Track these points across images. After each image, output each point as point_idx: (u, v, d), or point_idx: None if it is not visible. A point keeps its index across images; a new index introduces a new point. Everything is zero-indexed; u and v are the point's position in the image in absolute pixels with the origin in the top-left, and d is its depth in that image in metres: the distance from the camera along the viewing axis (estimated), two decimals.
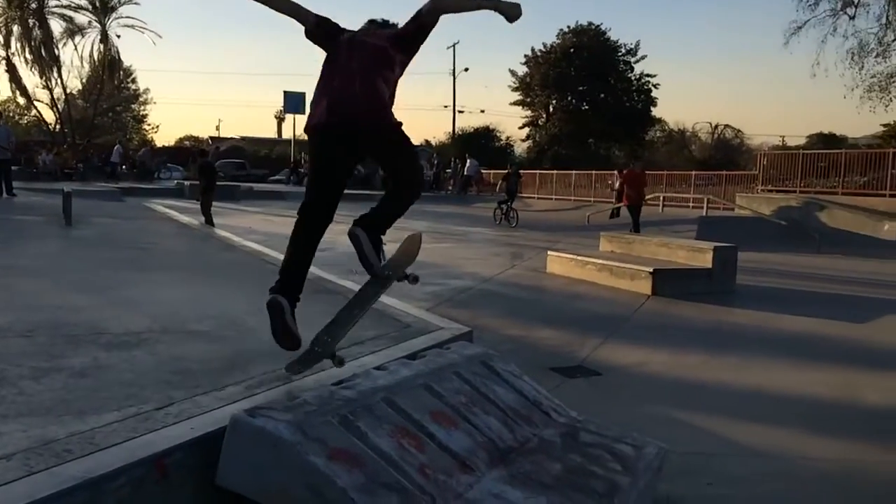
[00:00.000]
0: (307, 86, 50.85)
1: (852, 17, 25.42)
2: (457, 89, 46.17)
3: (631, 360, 6.26)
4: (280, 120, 63.50)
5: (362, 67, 3.16)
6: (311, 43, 3.43)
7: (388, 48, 3.25)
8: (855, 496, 3.55)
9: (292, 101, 43.29)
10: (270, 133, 66.33)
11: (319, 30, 3.39)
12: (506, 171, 22.84)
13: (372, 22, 3.52)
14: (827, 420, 4.75)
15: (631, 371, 5.94)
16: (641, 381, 5.67)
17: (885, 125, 36.33)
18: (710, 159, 46.13)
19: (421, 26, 3.27)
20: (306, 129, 3.26)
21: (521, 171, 24.44)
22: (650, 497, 3.22)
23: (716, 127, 54.16)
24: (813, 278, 11.03)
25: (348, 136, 3.12)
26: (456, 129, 48.28)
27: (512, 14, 3.19)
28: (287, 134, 54.75)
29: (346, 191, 3.36)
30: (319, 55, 3.39)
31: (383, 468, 2.19)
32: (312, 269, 3.52)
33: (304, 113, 44.62)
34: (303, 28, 3.40)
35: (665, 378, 5.78)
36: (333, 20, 3.47)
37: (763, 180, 22.24)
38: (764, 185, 22.09)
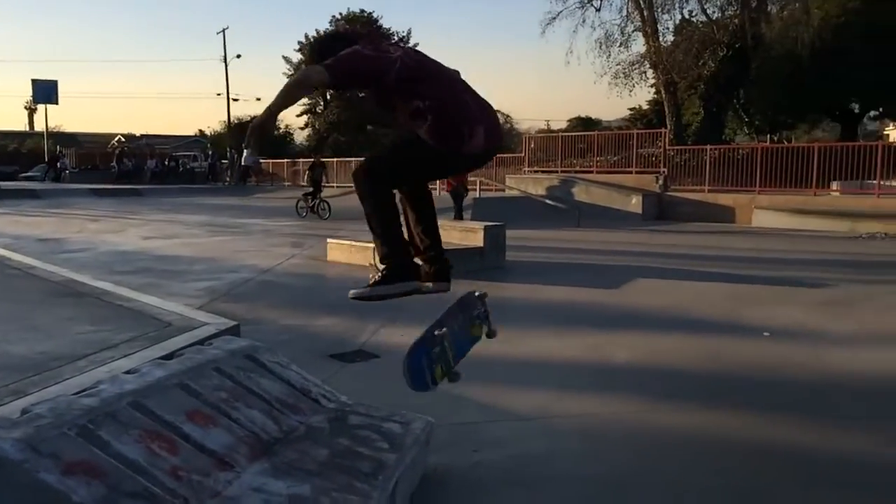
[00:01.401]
0: (59, 74, 46.37)
1: (598, 9, 27.70)
2: (230, 76, 44.40)
3: (409, 340, 6.37)
4: (31, 111, 57.47)
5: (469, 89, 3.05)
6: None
7: None
8: (607, 446, 3.89)
9: (43, 91, 39.38)
10: (19, 126, 59.92)
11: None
12: (311, 161, 22.03)
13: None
14: (583, 380, 5.18)
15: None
16: None
17: (631, 109, 40.18)
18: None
19: None
20: (462, 152, 3.00)
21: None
22: (419, 470, 3.32)
23: None
24: (573, 251, 11.94)
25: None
26: (231, 118, 46.58)
27: None
28: (39, 126, 49.70)
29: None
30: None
31: (128, 476, 2.06)
32: (64, 272, 3.22)
33: (56, 103, 40.72)
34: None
35: None
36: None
37: (529, 162, 23.68)
38: (530, 166, 23.53)
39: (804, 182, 16.99)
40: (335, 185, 27.90)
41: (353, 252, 10.75)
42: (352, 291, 3.12)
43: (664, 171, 19.80)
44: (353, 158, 30.35)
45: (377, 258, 3.16)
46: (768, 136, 34.65)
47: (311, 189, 19.77)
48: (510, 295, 8.56)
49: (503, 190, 21.72)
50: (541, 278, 9.46)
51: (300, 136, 52.65)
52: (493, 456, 3.74)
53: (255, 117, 3.15)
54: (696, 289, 8.57)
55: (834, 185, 17.09)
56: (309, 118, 51.42)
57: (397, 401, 4.15)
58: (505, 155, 28.59)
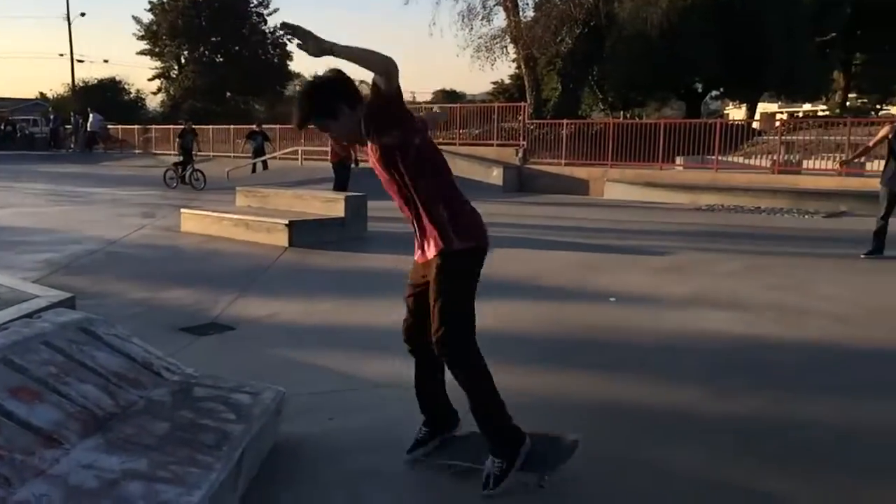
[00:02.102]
0: None
1: None
2: (74, 36, 41.34)
3: (265, 311, 6.28)
4: None
5: None
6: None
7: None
8: (459, 408, 3.98)
9: None
10: None
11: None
12: (181, 128, 20.78)
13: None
14: None
15: (265, 322, 5.97)
16: (274, 331, 5.72)
17: (494, 83, 40.90)
18: None
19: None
20: (475, 254, 2.88)
21: (152, 126, 22.61)
22: (270, 439, 3.28)
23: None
24: None
25: None
26: (76, 81, 43.50)
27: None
28: None
29: None
30: None
31: None
32: None
33: None
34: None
35: (298, 326, 5.91)
36: None
37: None
38: None
39: (652, 157, 17.92)
40: (211, 154, 26.73)
41: (208, 222, 10.38)
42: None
43: (524, 145, 20.32)
44: (210, 126, 29.19)
45: (494, 451, 2.87)
46: (622, 112, 36.30)
47: (181, 158, 18.78)
48: (372, 265, 8.57)
49: (367, 161, 21.56)
50: (403, 249, 9.39)
51: (153, 102, 50.02)
52: (349, 423, 3.75)
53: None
54: (549, 257, 8.89)
55: (678, 160, 18.14)
56: (162, 83, 48.88)
57: (251, 372, 4.08)
58: None
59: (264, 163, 22.15)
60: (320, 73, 2.81)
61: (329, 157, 13.68)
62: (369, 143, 2.78)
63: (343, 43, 2.40)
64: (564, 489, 3.02)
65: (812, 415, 3.88)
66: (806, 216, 12.99)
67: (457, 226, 2.83)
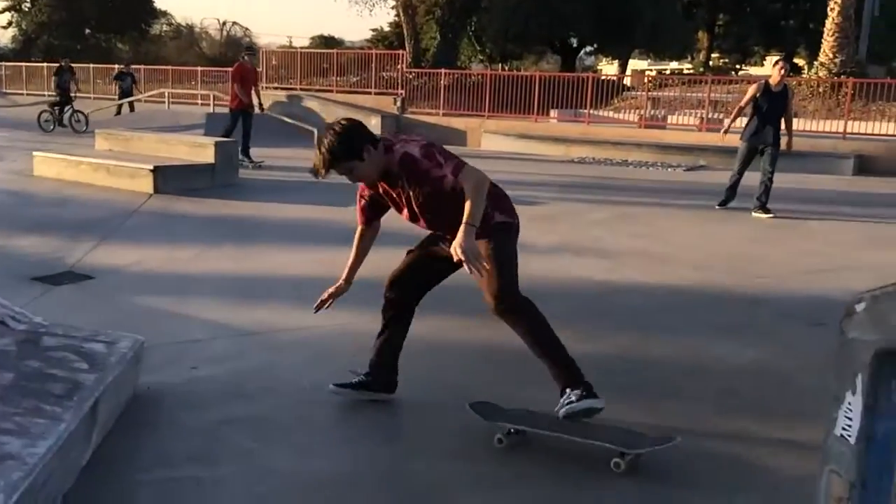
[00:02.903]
0: None
1: None
2: None
3: (127, 260, 6.00)
4: None
5: None
6: None
7: None
8: (329, 355, 3.98)
9: None
10: None
11: None
12: (56, 66, 19.07)
13: None
14: (312, 294, 5.19)
15: (126, 271, 5.70)
16: (137, 280, 5.49)
17: (373, 30, 40.15)
18: (220, 57, 45.65)
19: None
20: (514, 228, 3.17)
21: (1, 63, 20.82)
22: (127, 389, 3.16)
23: (224, 24, 53.67)
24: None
25: None
26: None
27: None
28: None
29: None
30: None
31: None
32: None
33: None
34: None
35: (162, 274, 5.69)
36: None
37: (269, 78, 22.84)
38: (270, 83, 22.71)
39: (527, 109, 18.23)
40: (47, 92, 24.86)
41: (63, 167, 9.74)
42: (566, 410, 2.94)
43: (402, 94, 20.16)
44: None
45: (564, 387, 3.01)
46: (500, 64, 36.58)
47: (58, 98, 17.40)
48: (242, 213, 8.32)
49: (250, 109, 20.79)
50: (276, 196, 9.29)
51: (3, 37, 45.96)
52: (214, 371, 3.67)
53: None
54: None
55: (553, 113, 18.54)
56: (13, 16, 44.93)
57: (110, 323, 3.90)
58: None
59: (131, 105, 20.93)
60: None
61: (230, 104, 12.42)
62: (405, 191, 3.08)
63: None
64: (436, 430, 3.09)
65: (666, 353, 4.14)
66: (669, 169, 13.64)
67: (497, 206, 3.11)
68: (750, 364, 3.98)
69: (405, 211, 3.16)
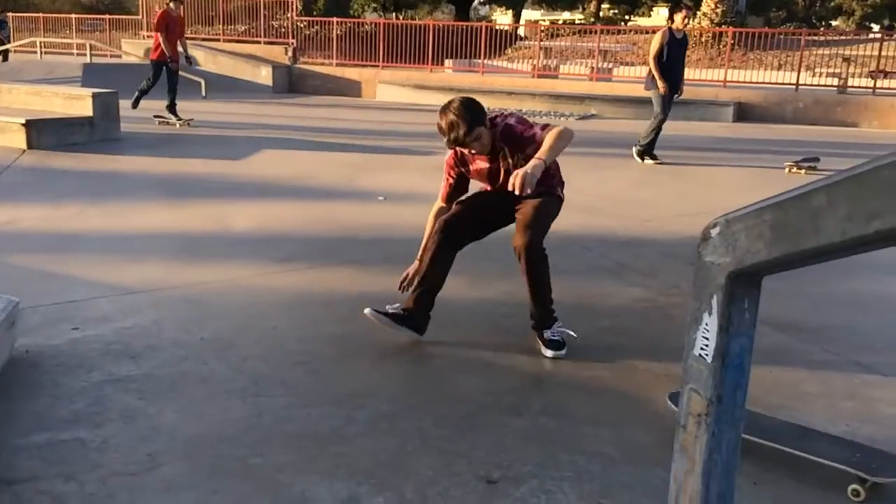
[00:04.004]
0: None
1: None
2: None
3: (1, 219, 5.64)
4: None
5: None
6: None
7: None
8: (217, 311, 3.88)
9: None
10: None
11: None
12: None
13: None
14: (199, 250, 5.06)
15: (0, 230, 5.37)
16: (11, 240, 5.17)
17: None
18: (97, 4, 42.92)
19: None
20: (561, 203, 3.66)
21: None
22: (5, 353, 3.00)
23: None
24: (198, 122, 11.35)
25: None
26: None
27: None
28: None
29: None
30: None
31: None
32: None
33: None
34: None
35: (39, 233, 5.38)
36: None
37: (148, 26, 21.67)
38: (149, 30, 21.56)
39: (422, 59, 18.08)
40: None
41: None
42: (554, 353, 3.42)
43: (293, 44, 19.58)
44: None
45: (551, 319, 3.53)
46: (394, 13, 35.98)
47: None
48: (126, 168, 7.95)
49: (119, 56, 19.71)
50: (161, 150, 8.91)
51: None
52: (98, 331, 3.52)
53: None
54: (319, 159, 8.79)
55: (447, 63, 18.47)
56: None
57: None
58: (121, 17, 25.84)
59: (4, 54, 19.44)
60: None
61: (151, 54, 11.14)
62: (508, 161, 3.41)
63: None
64: (322, 377, 3.08)
65: (555, 295, 4.24)
66: (561, 118, 13.88)
67: (561, 186, 3.67)
68: (635, 302, 4.15)
69: (501, 180, 3.43)
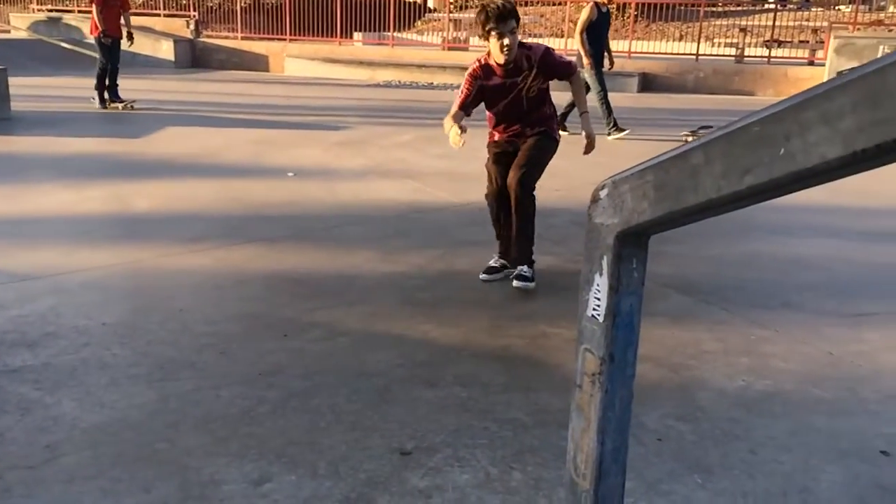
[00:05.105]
0: None
1: None
2: None
3: None
4: None
5: None
6: None
7: None
8: (119, 294, 3.75)
9: None
10: None
11: None
12: None
13: None
14: (100, 233, 4.86)
15: None
16: None
17: None
18: None
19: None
20: (557, 145, 4.16)
21: None
22: None
23: None
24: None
25: None
26: None
27: None
28: None
29: None
30: None
31: None
32: None
33: None
34: None
35: None
36: None
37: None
38: (42, 4, 20.43)
39: (331, 32, 17.75)
40: None
41: None
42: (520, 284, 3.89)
43: (195, 16, 18.89)
44: None
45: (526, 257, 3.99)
46: None
47: None
48: (17, 149, 7.54)
49: (8, 31, 18.60)
50: (56, 129, 8.48)
51: None
52: None
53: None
54: (225, 135, 8.54)
55: (357, 36, 18.20)
56: None
57: None
58: None
59: None
60: None
61: (92, 31, 10.15)
62: (528, 81, 3.85)
63: None
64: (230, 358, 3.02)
65: (469, 267, 4.28)
66: None
67: (558, 126, 4.21)
68: (546, 269, 4.22)
69: (509, 98, 3.86)
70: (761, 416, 2.64)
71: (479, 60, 3.90)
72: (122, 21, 10.23)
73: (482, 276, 4.05)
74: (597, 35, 8.69)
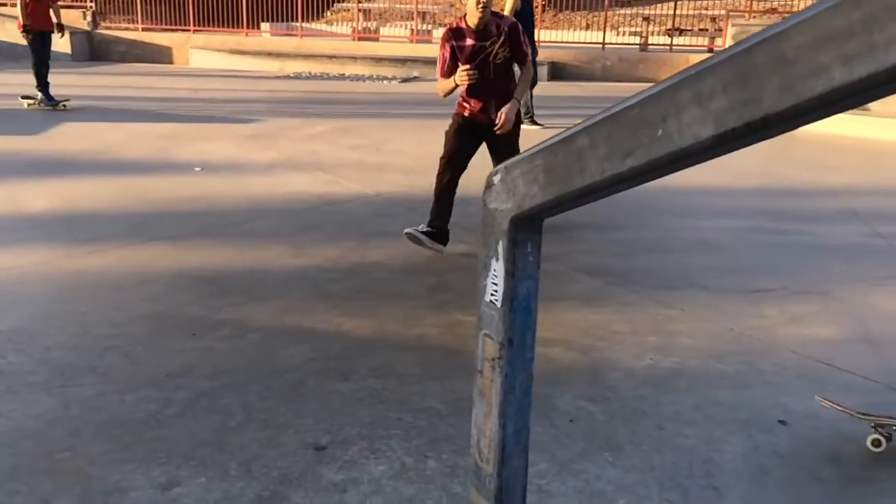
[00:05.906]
0: None
1: None
2: None
3: None
4: None
5: None
6: None
7: None
8: (17, 300, 3.57)
9: None
10: None
11: None
12: None
13: None
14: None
15: None
16: None
17: None
18: None
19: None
20: None
21: None
22: None
23: None
24: (1, 98, 10.29)
25: None
26: None
27: None
28: None
29: None
30: None
31: None
32: None
33: None
34: None
35: None
36: None
37: None
38: None
39: (237, 22, 17.32)
40: None
41: None
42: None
43: (92, 7, 18.08)
44: None
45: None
46: None
47: None
48: None
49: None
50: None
51: None
52: None
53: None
54: (127, 130, 8.23)
55: (264, 27, 17.82)
56: None
57: None
58: None
59: None
60: None
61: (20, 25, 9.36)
62: (496, 47, 4.10)
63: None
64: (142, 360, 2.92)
65: (382, 258, 4.26)
66: (384, 81, 13.81)
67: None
68: (459, 258, 4.24)
69: (477, 61, 4.05)
70: (668, 393, 2.73)
71: (450, 25, 4.24)
72: (52, 14, 9.65)
73: (407, 230, 4.26)
74: (526, 22, 8.70)
